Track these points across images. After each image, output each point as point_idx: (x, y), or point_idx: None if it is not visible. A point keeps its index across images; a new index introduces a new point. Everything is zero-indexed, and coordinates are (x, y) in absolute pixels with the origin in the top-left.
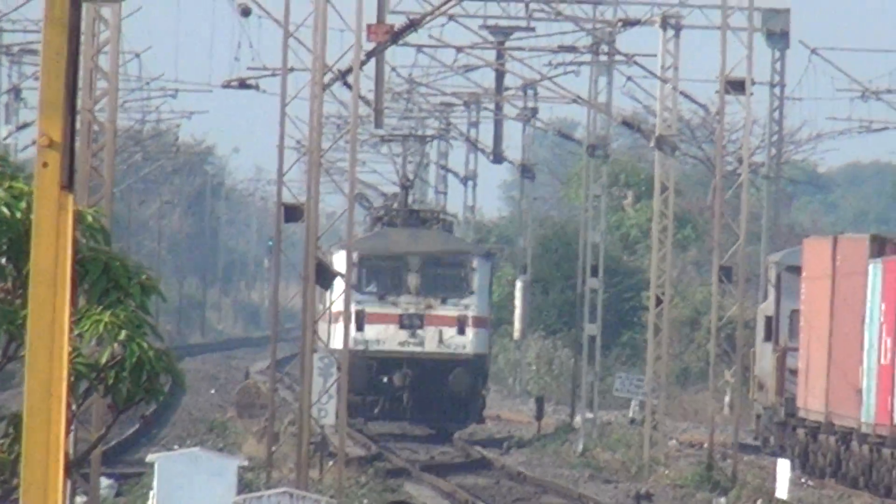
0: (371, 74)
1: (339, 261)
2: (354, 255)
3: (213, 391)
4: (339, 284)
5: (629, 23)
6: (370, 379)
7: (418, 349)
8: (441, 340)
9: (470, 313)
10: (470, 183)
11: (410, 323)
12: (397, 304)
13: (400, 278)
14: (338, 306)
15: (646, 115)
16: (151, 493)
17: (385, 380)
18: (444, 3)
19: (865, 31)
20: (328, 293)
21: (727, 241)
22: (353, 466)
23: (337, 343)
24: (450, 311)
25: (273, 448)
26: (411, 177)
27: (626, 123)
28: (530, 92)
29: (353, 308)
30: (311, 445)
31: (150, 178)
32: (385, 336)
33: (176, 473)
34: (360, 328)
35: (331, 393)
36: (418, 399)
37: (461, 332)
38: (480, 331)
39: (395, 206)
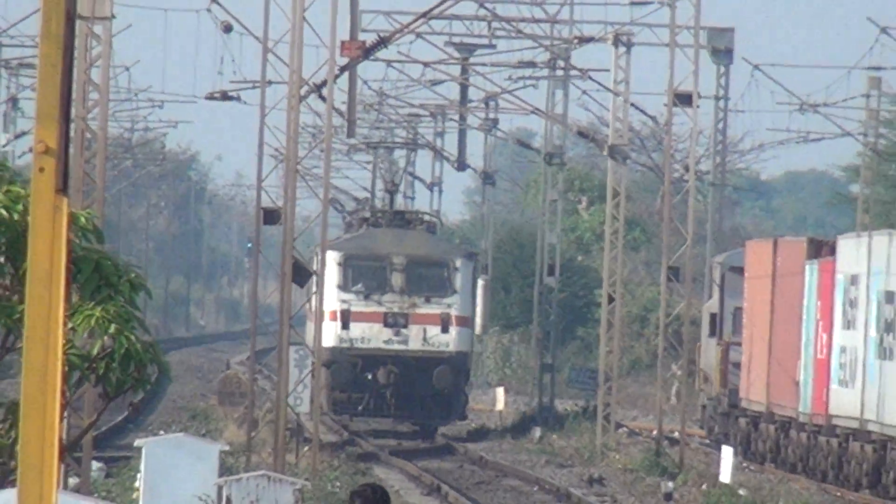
0: (344, 87)
1: (326, 260)
2: (341, 256)
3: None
4: (326, 285)
5: (584, 40)
6: (355, 376)
7: (402, 347)
8: (425, 339)
9: (453, 312)
10: (435, 189)
11: (395, 321)
12: (382, 302)
13: (385, 278)
14: (324, 305)
15: (599, 125)
16: (139, 476)
17: (370, 377)
18: (412, 22)
19: (804, 49)
20: (313, 292)
21: (675, 243)
22: (327, 451)
23: (325, 341)
24: (433, 309)
25: (252, 434)
26: (397, 181)
27: (581, 133)
28: (492, 104)
29: (339, 307)
30: (288, 432)
31: (139, 183)
32: (370, 334)
33: (162, 457)
34: (345, 326)
35: (305, 383)
36: (402, 396)
37: (444, 330)
38: (463, 329)
39: (367, 208)
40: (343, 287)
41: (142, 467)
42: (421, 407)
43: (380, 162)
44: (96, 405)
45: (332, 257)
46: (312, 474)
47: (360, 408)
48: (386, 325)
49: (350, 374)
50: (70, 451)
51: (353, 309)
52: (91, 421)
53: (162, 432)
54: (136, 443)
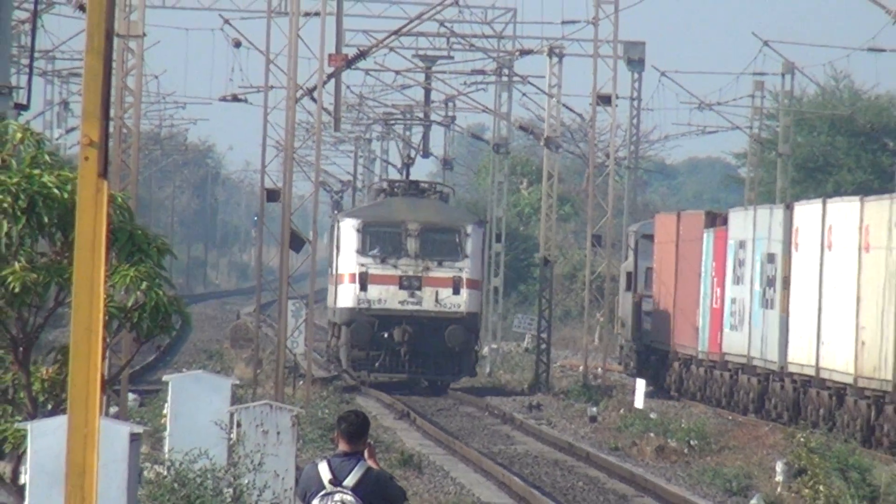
0: (331, 91)
1: (346, 227)
2: (359, 222)
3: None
4: (346, 250)
5: (524, 52)
6: (372, 335)
7: (417, 308)
8: (437, 300)
9: (464, 275)
10: (405, 172)
11: (409, 284)
12: (397, 266)
13: (400, 243)
14: (343, 269)
15: (537, 121)
16: (166, 405)
17: (386, 336)
18: (386, 38)
19: (702, 58)
20: (336, 257)
21: (598, 216)
22: (318, 385)
23: (344, 301)
24: (446, 273)
25: (258, 371)
26: (412, 155)
27: (522, 128)
28: (450, 104)
29: (358, 270)
30: (286, 369)
31: (166, 169)
32: (386, 296)
33: (185, 390)
34: (363, 288)
35: (301, 329)
36: (416, 354)
37: (456, 292)
38: (473, 291)
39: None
40: (361, 251)
41: (168, 398)
42: (434, 364)
43: (360, 151)
44: (131, 348)
45: (352, 224)
46: (306, 403)
47: (377, 364)
48: (401, 287)
49: (368, 333)
50: (110, 385)
51: (371, 272)
52: (127, 360)
53: (185, 369)
54: (164, 378)
